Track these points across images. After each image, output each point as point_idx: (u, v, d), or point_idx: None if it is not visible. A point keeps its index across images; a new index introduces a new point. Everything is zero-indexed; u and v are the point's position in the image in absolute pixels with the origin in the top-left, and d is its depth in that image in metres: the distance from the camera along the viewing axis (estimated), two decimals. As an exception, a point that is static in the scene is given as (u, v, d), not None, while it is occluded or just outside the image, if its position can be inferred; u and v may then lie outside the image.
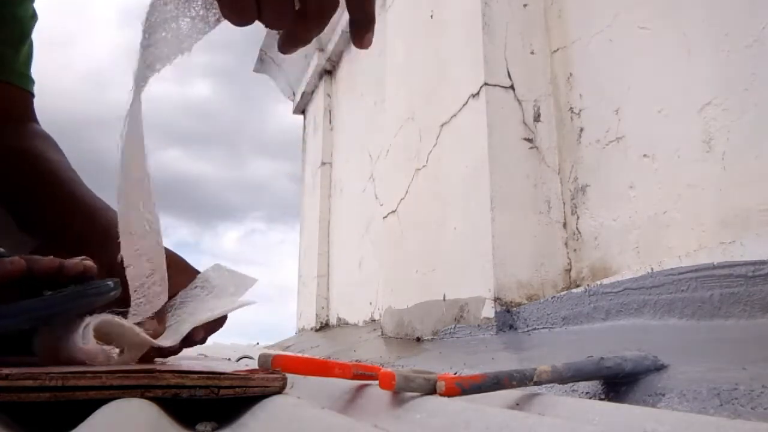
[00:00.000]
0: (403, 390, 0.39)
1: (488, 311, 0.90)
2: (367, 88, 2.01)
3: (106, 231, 0.57)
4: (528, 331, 0.84)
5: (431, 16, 1.24)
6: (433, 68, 1.21)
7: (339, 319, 2.14)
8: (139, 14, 0.48)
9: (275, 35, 2.94)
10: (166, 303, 0.53)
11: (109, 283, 0.48)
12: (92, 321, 0.46)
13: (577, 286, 0.85)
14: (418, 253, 1.18)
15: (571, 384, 0.49)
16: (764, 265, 0.51)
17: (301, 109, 2.94)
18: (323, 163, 2.52)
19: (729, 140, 0.69)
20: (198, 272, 0.61)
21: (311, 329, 2.29)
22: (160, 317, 0.53)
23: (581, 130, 0.96)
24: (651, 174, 0.81)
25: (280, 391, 0.42)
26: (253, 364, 0.58)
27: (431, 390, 0.39)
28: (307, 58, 2.55)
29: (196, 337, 0.57)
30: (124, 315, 0.50)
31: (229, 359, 0.91)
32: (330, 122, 2.53)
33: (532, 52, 1.04)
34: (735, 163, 0.68)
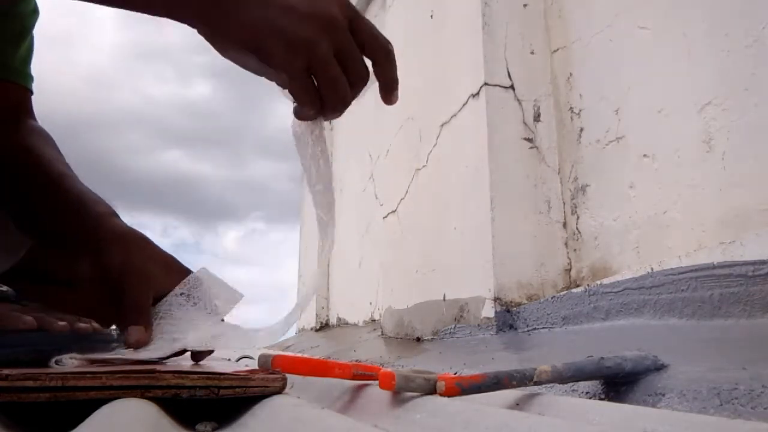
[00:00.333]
0: (403, 390, 0.39)
1: (488, 311, 0.90)
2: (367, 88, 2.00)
3: (95, 228, 0.58)
4: (528, 331, 0.84)
5: (431, 16, 1.24)
6: (433, 68, 1.21)
7: (339, 319, 2.14)
8: (139, 15, 0.48)
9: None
10: (151, 308, 0.53)
11: (114, 334, 0.49)
12: None
13: (577, 286, 0.85)
14: (418, 253, 1.18)
15: (571, 384, 0.49)
16: (764, 265, 0.51)
17: (301, 109, 2.94)
18: (323, 163, 2.51)
19: (729, 140, 0.69)
20: (190, 272, 0.60)
21: (311, 329, 2.29)
22: (147, 324, 0.51)
23: (581, 130, 0.96)
24: (651, 174, 0.81)
25: (280, 391, 0.42)
26: (253, 365, 0.58)
27: (431, 390, 0.39)
28: (307, 58, 2.55)
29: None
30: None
31: (229, 359, 0.91)
32: (330, 122, 2.52)
33: (532, 52, 1.04)
34: (735, 163, 0.68)
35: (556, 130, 1.01)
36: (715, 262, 0.56)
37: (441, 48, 1.19)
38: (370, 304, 1.80)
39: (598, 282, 0.73)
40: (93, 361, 0.43)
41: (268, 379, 0.41)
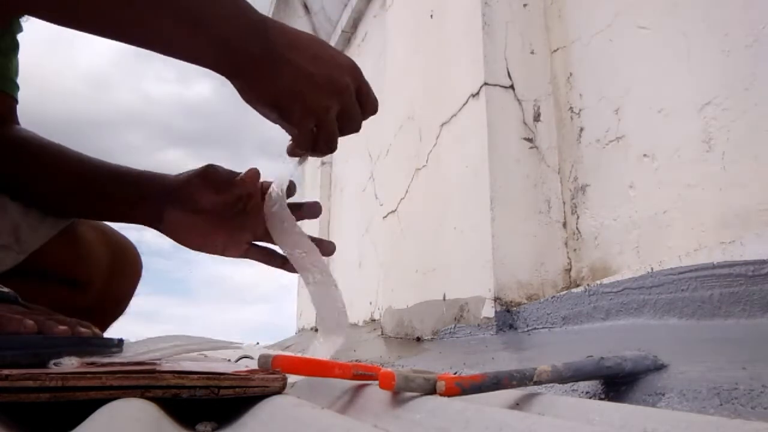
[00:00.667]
0: (403, 390, 0.39)
1: (488, 311, 0.90)
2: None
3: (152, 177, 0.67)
4: (528, 330, 0.84)
5: (431, 16, 1.24)
6: (433, 68, 1.21)
7: (339, 319, 2.14)
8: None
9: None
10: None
11: (114, 340, 0.50)
12: None
13: (577, 285, 0.85)
14: (418, 253, 1.18)
15: (571, 384, 0.49)
16: (764, 265, 0.51)
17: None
18: (323, 163, 2.52)
19: (729, 140, 0.69)
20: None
21: (311, 329, 2.29)
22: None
23: (581, 129, 0.96)
24: (651, 174, 0.81)
25: (280, 391, 0.42)
26: (253, 365, 0.58)
27: (431, 390, 0.39)
28: (307, 58, 2.55)
29: None
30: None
31: (229, 359, 0.91)
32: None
33: (532, 52, 1.04)
34: (735, 163, 0.68)
35: (556, 130, 1.01)
36: (715, 262, 0.56)
37: (441, 48, 1.19)
38: (370, 304, 1.80)
39: (598, 282, 0.73)
40: (91, 364, 0.43)
41: (268, 379, 0.41)
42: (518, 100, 1.01)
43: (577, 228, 0.95)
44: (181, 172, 0.67)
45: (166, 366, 0.43)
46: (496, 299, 0.90)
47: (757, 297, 0.51)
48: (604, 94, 0.91)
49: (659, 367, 0.45)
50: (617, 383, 0.46)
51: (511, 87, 1.01)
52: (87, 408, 0.33)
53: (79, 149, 0.71)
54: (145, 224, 0.68)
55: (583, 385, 0.48)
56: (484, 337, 0.90)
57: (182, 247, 0.66)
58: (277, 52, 0.50)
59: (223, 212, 0.64)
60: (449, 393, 0.37)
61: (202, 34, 0.48)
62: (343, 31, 2.23)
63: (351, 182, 2.18)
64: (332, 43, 2.35)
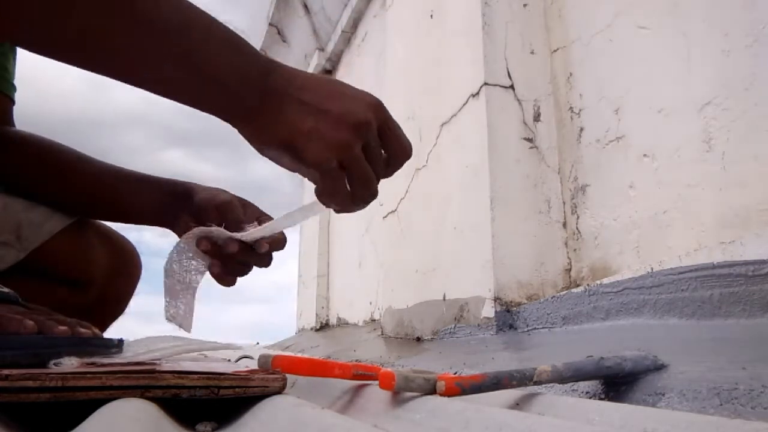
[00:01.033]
0: (403, 390, 0.39)
1: (488, 311, 0.90)
2: (367, 88, 2.00)
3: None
4: (528, 330, 0.84)
5: (431, 16, 1.24)
6: (433, 68, 1.21)
7: (339, 318, 2.14)
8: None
9: (275, 35, 2.91)
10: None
11: (114, 340, 0.50)
12: None
13: (577, 285, 0.85)
14: (418, 253, 1.18)
15: (571, 384, 0.49)
16: (764, 265, 0.51)
17: (301, 109, 2.93)
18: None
19: (729, 140, 0.69)
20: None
21: (311, 329, 2.29)
22: None
23: (581, 129, 0.96)
24: (651, 174, 0.81)
25: (280, 391, 0.42)
26: (253, 365, 0.58)
27: (431, 390, 0.39)
28: (307, 58, 2.55)
29: (260, 249, 0.59)
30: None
31: (229, 359, 0.91)
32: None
33: (532, 52, 1.04)
34: (735, 163, 0.68)
35: (556, 130, 1.01)
36: (715, 262, 0.56)
37: (441, 48, 1.19)
38: (370, 303, 1.80)
39: (598, 282, 0.73)
40: (91, 364, 0.43)
41: (268, 379, 0.41)
42: (518, 100, 1.01)
43: (577, 228, 0.95)
44: (209, 186, 0.69)
45: (166, 366, 0.43)
46: (496, 299, 0.90)
47: (757, 297, 0.51)
48: (604, 94, 0.91)
49: (659, 367, 0.45)
50: (617, 383, 0.46)
51: (511, 87, 1.01)
52: (87, 408, 0.33)
53: (79, 149, 0.72)
54: (161, 226, 0.70)
55: (583, 385, 0.48)
56: (484, 337, 0.90)
57: None
58: (285, 94, 0.47)
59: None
60: (449, 393, 0.37)
61: (207, 83, 0.46)
62: (343, 31, 2.22)
63: (351, 182, 2.18)
64: (332, 44, 2.35)
